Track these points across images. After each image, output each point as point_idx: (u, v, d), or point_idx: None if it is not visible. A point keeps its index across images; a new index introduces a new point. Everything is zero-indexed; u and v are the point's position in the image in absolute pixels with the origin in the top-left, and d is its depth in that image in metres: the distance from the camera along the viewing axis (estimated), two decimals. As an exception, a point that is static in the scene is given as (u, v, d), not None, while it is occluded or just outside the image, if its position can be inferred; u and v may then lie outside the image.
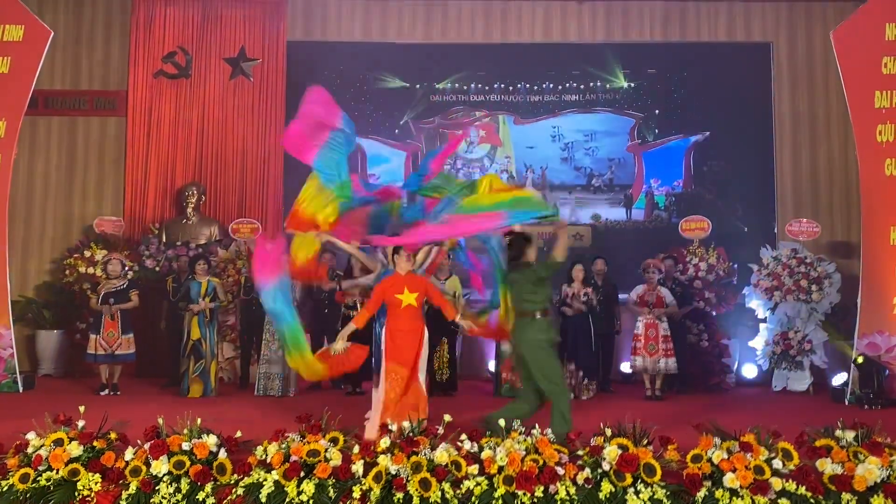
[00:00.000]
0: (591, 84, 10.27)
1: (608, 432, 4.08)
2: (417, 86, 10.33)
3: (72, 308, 9.11)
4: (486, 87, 10.35)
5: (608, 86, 10.26)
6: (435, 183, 5.63)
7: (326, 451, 3.97)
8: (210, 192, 9.91)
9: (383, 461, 3.90)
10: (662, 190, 10.23)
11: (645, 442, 4.01)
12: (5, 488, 4.04)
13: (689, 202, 10.03)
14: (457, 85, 10.34)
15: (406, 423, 4.23)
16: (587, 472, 3.87)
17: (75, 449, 4.09)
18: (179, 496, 3.92)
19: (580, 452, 4.00)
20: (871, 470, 3.78)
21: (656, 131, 10.27)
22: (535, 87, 10.32)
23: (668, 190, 10.23)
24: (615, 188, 10.24)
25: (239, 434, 4.25)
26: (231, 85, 10.09)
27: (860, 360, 7.24)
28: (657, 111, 10.25)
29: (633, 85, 10.25)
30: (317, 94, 5.60)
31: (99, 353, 7.56)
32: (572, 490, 3.81)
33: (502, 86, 10.35)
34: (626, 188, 10.23)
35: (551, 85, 10.30)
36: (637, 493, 3.77)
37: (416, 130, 10.35)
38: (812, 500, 3.73)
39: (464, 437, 4.12)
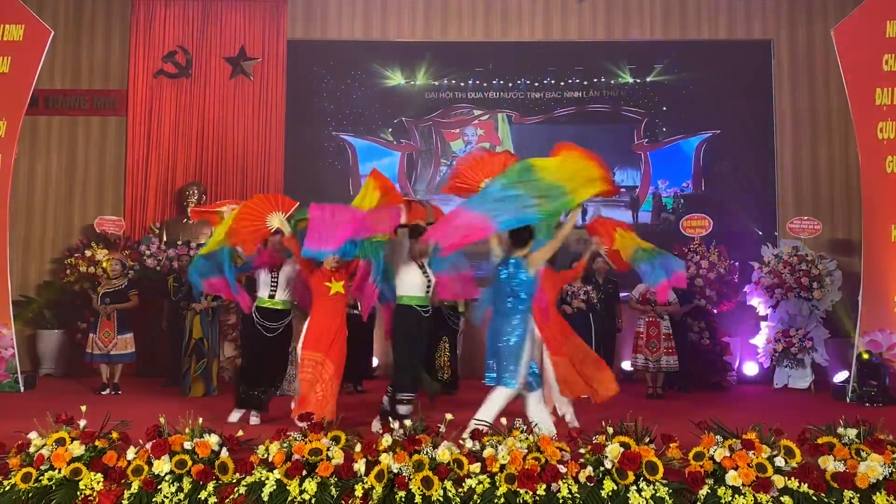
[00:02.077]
0: (595, 80, 10.19)
1: (610, 430, 4.07)
2: (415, 83, 10.31)
3: (73, 308, 9.12)
4: (485, 85, 10.29)
5: (612, 81, 10.19)
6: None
7: (328, 449, 3.96)
8: (210, 192, 9.90)
9: (385, 460, 3.89)
10: (671, 191, 10.05)
11: (647, 440, 4.00)
12: (7, 488, 4.03)
13: (698, 204, 9.72)
14: (454, 81, 10.29)
15: (409, 423, 4.22)
16: (589, 470, 3.86)
17: (77, 448, 4.08)
18: (181, 495, 3.91)
19: (582, 450, 3.99)
20: (873, 467, 3.77)
21: (664, 129, 10.14)
22: (536, 85, 10.26)
23: (677, 191, 10.06)
24: (620, 189, 9.90)
25: (240, 433, 4.24)
26: (231, 84, 10.10)
27: (865, 355, 7.23)
28: (665, 107, 10.12)
29: (638, 81, 10.17)
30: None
31: (95, 353, 7.57)
32: (574, 488, 3.79)
33: (501, 83, 10.29)
34: (632, 190, 10.07)
35: (552, 81, 10.23)
36: (639, 491, 3.76)
37: (412, 129, 10.32)
38: (814, 498, 3.72)
39: (466, 435, 4.13)
